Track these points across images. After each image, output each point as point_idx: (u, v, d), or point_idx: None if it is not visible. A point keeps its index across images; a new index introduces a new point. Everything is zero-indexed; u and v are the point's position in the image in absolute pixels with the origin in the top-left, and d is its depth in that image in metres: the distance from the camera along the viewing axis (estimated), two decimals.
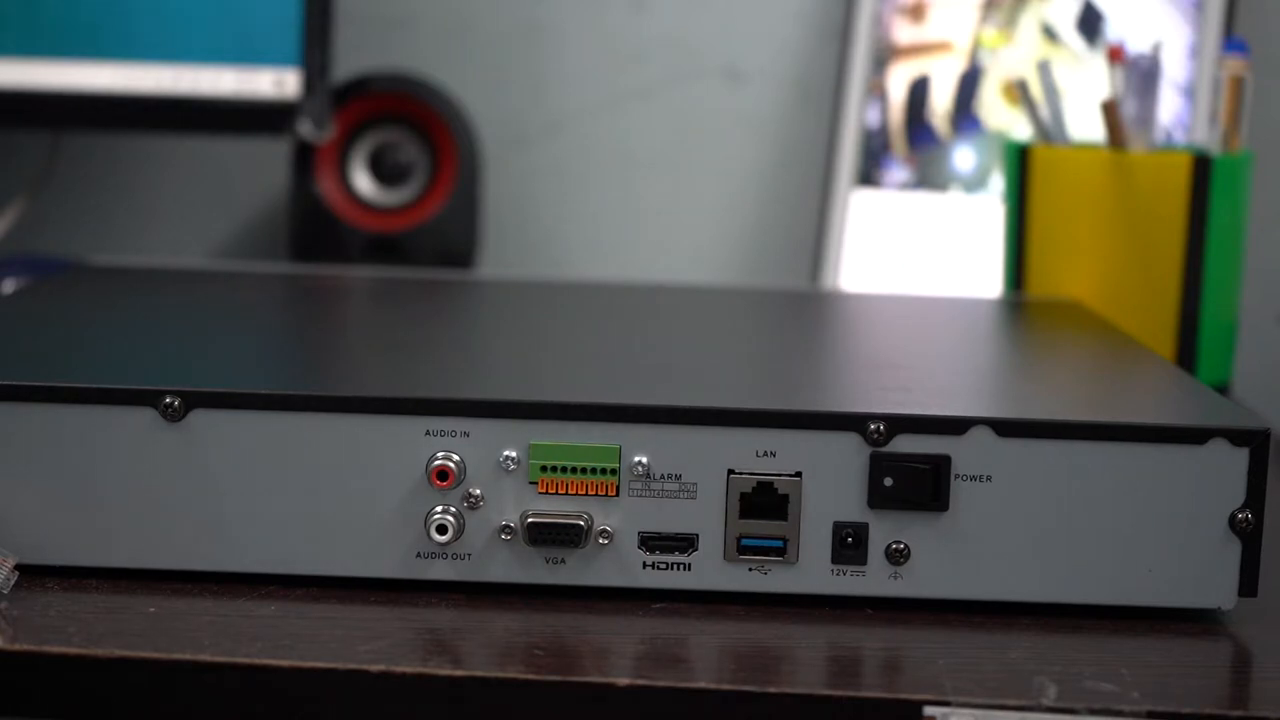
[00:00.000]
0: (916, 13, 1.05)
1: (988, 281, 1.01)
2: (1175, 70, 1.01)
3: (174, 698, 0.48)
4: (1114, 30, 1.02)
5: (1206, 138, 0.97)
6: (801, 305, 0.77)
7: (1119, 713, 0.46)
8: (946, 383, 0.59)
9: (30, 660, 0.48)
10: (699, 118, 1.11)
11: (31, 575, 0.53)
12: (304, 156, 1.05)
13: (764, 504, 0.53)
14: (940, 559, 0.53)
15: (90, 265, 0.81)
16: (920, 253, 1.04)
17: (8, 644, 0.48)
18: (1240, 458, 0.52)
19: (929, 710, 0.46)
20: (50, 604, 0.51)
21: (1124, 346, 0.67)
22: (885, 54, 1.06)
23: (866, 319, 0.76)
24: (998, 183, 1.03)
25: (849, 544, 0.53)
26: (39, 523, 0.53)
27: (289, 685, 0.48)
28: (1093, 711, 0.46)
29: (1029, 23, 1.04)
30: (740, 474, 0.52)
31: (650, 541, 0.53)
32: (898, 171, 1.05)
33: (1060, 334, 0.70)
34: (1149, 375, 0.62)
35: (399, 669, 0.47)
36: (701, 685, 0.47)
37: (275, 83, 0.96)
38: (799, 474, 0.52)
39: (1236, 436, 0.52)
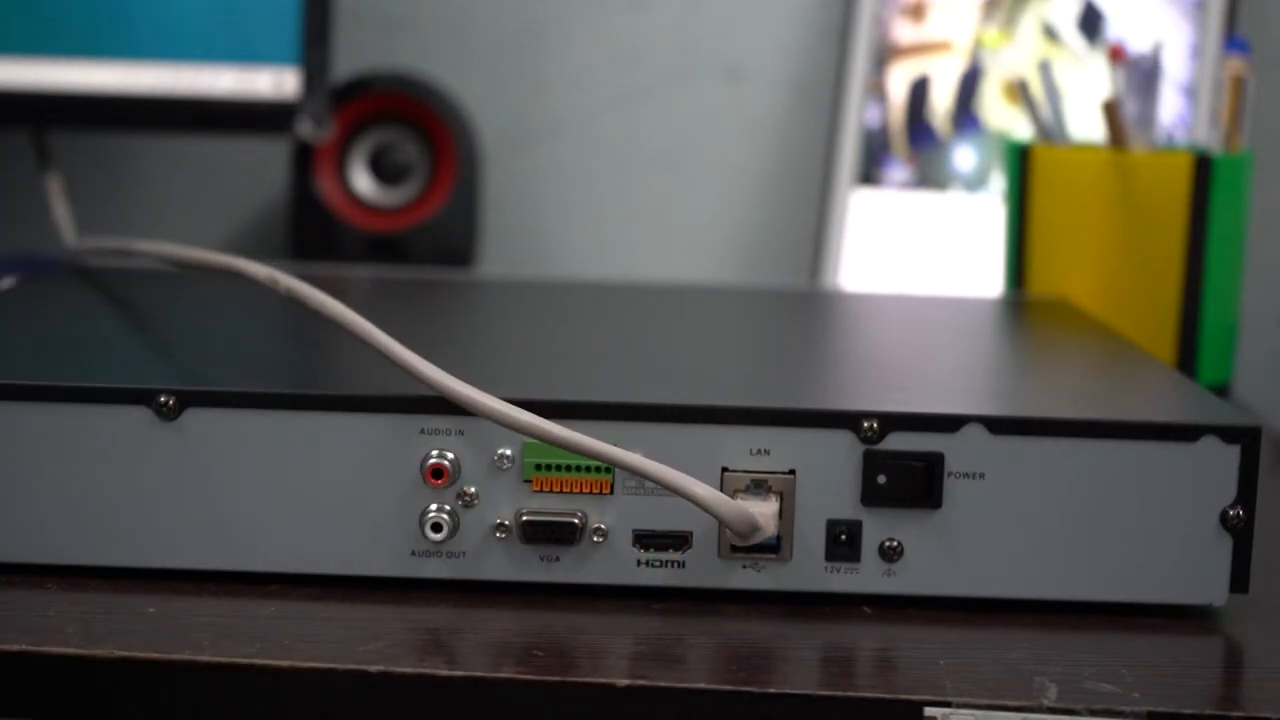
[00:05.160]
0: (916, 13, 1.05)
1: (988, 281, 1.01)
2: (1176, 70, 1.01)
3: (174, 698, 0.48)
4: (1115, 30, 1.02)
5: (1207, 137, 0.97)
6: (800, 305, 0.77)
7: (1119, 713, 0.46)
8: (940, 381, 0.59)
9: (30, 660, 0.48)
10: (699, 118, 1.11)
11: (30, 575, 0.53)
12: (304, 156, 1.05)
13: None
14: (933, 556, 0.53)
15: (86, 264, 0.81)
16: (920, 253, 1.04)
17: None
18: (1232, 455, 0.52)
19: (929, 710, 0.46)
20: (49, 604, 0.51)
21: (1115, 344, 0.67)
22: (885, 54, 1.06)
23: (863, 318, 0.76)
24: (998, 182, 1.03)
25: (842, 541, 0.53)
26: (35, 522, 0.53)
27: (289, 685, 0.48)
28: (1093, 712, 0.46)
29: (1029, 22, 1.04)
30: (734, 471, 0.52)
31: (644, 539, 0.53)
32: (898, 171, 1.05)
33: (1052, 333, 0.71)
34: (1141, 373, 0.62)
35: (398, 669, 0.47)
36: (702, 686, 0.47)
37: (275, 82, 0.96)
38: (793, 471, 0.52)
39: (1228, 434, 0.52)
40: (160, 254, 0.72)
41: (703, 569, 0.53)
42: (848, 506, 0.53)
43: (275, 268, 0.62)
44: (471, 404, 0.51)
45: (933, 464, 0.52)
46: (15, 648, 0.48)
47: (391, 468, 0.53)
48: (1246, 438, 0.52)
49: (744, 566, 0.53)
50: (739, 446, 0.52)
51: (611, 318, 0.72)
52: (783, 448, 0.52)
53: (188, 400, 0.53)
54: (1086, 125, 0.97)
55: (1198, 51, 1.01)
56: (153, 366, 0.59)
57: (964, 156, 1.04)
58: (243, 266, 0.63)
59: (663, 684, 0.47)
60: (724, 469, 0.53)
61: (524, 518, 0.53)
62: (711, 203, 1.12)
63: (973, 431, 0.52)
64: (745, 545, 0.52)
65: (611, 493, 0.53)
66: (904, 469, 0.52)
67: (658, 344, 0.66)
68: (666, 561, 0.53)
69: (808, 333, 0.72)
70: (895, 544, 0.53)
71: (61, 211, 1.00)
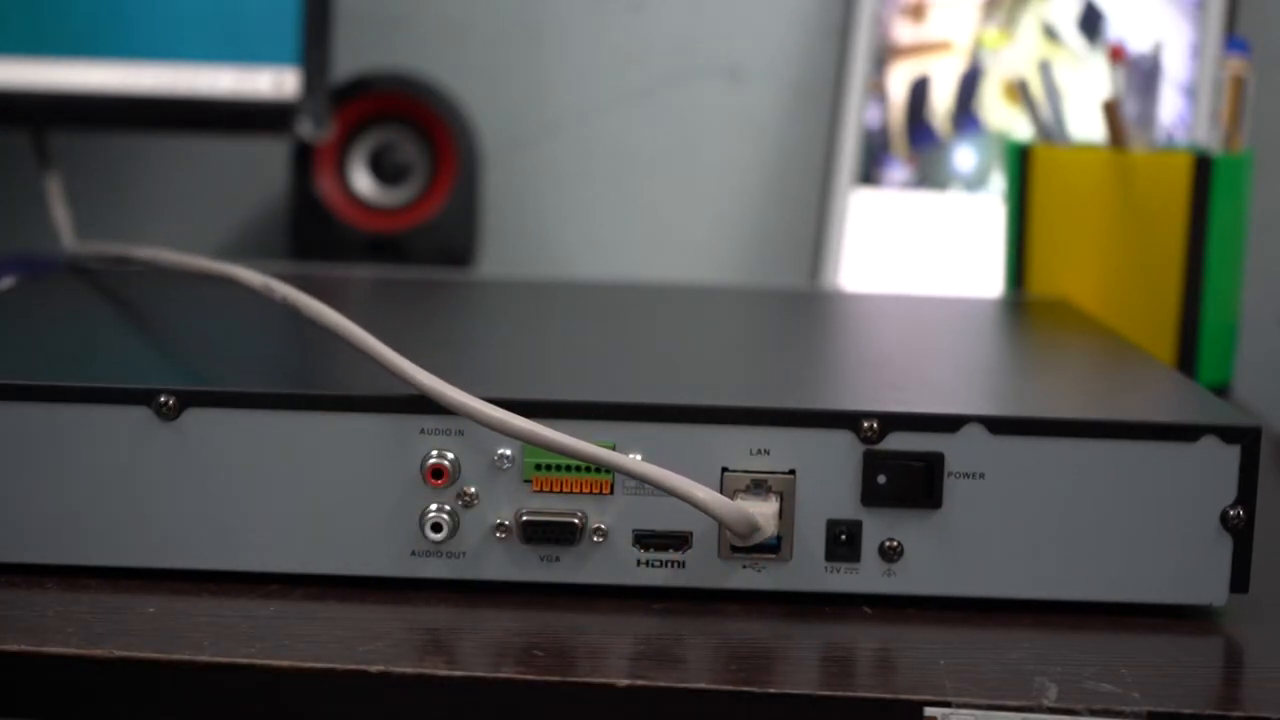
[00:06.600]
0: (916, 13, 1.05)
1: (988, 281, 1.01)
2: (1176, 70, 1.01)
3: (174, 698, 0.48)
4: (1115, 30, 1.02)
5: (1207, 137, 0.97)
6: (800, 305, 0.78)
7: (1119, 713, 0.46)
8: (940, 380, 0.59)
9: (30, 660, 0.48)
10: (699, 118, 1.11)
11: (29, 575, 0.53)
12: (304, 156, 1.05)
13: None
14: (933, 556, 0.53)
15: (86, 264, 0.81)
16: (920, 253, 1.04)
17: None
18: (1232, 455, 0.52)
19: (929, 710, 0.47)
20: (49, 604, 0.51)
21: (1115, 345, 0.67)
22: (885, 54, 1.06)
23: (863, 318, 0.76)
24: (998, 182, 1.03)
25: (842, 541, 0.53)
26: (35, 522, 0.53)
27: (289, 685, 0.48)
28: (1093, 712, 0.46)
29: (1029, 22, 1.04)
30: (734, 471, 0.53)
31: (644, 539, 0.53)
32: (898, 171, 1.05)
33: (1052, 333, 0.71)
34: (1140, 373, 0.62)
35: (398, 669, 0.48)
36: (702, 686, 0.47)
37: (274, 82, 0.96)
38: (793, 471, 0.52)
39: (1228, 434, 0.52)
40: (157, 260, 0.72)
41: (703, 569, 0.53)
42: (848, 506, 0.53)
43: (274, 271, 0.62)
44: (467, 411, 0.51)
45: (933, 464, 0.52)
46: (15, 648, 0.48)
47: (391, 468, 0.53)
48: (1246, 438, 0.52)
49: (744, 566, 0.53)
50: (739, 446, 0.52)
51: (611, 318, 0.72)
52: (783, 448, 0.52)
53: (188, 400, 0.53)
54: (1086, 125, 0.97)
55: (1198, 51, 1.01)
56: (153, 366, 0.59)
57: (964, 156, 1.04)
58: (238, 274, 0.63)
59: (663, 684, 0.47)
60: (724, 469, 0.53)
61: (524, 518, 0.53)
62: (711, 203, 1.12)
63: (973, 431, 0.52)
64: (745, 545, 0.52)
65: (611, 493, 0.53)
66: (904, 469, 0.52)
67: (658, 344, 0.66)
68: (666, 561, 0.53)
69: (808, 333, 0.72)
70: (895, 544, 0.53)
71: (61, 212, 1.00)
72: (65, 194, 1.05)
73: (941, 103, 1.05)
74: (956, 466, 0.52)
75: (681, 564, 0.53)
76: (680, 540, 0.53)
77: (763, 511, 0.51)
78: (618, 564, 0.53)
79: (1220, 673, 0.50)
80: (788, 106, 1.11)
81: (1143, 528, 0.52)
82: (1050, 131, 0.84)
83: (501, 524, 0.53)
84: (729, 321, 0.72)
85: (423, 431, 0.53)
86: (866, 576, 0.53)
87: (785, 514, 0.53)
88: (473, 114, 1.08)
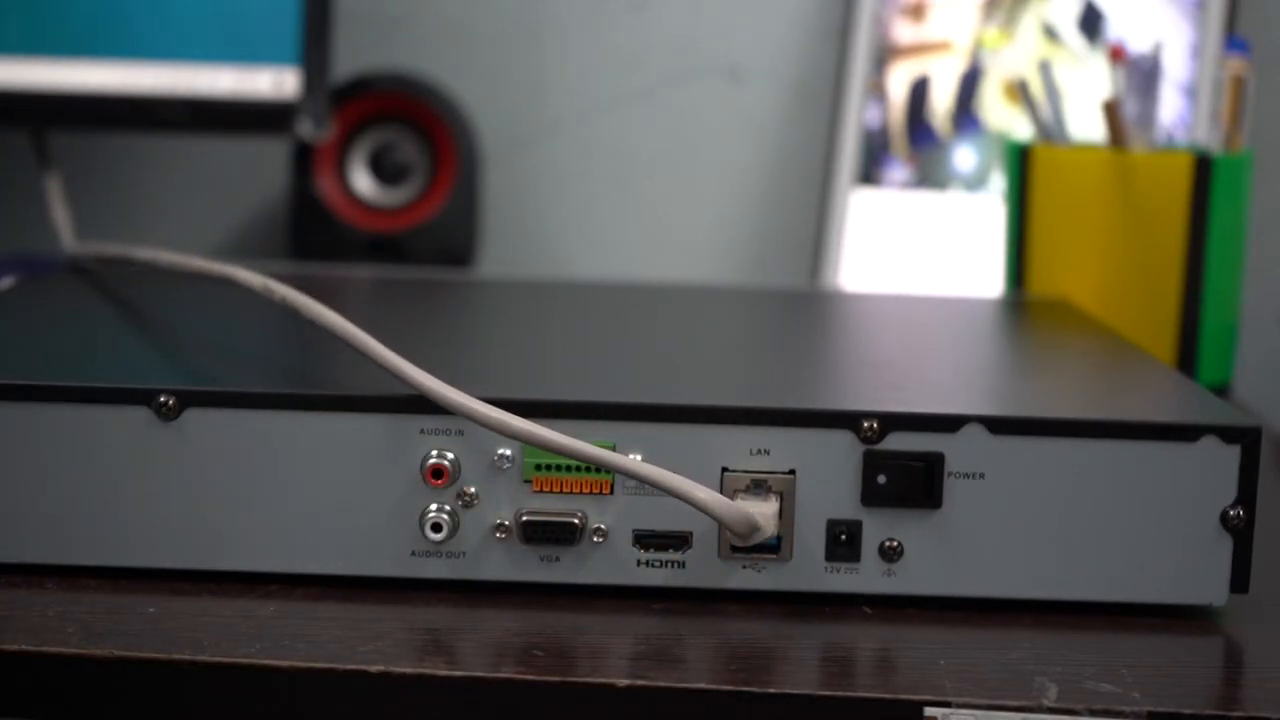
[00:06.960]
0: (916, 13, 1.05)
1: (988, 281, 1.01)
2: (1176, 70, 1.01)
3: (174, 698, 0.48)
4: (1115, 30, 1.02)
5: (1207, 137, 0.97)
6: (800, 305, 0.78)
7: (1119, 713, 0.46)
8: (940, 381, 0.59)
9: (30, 660, 0.48)
10: (699, 118, 1.11)
11: (30, 575, 0.53)
12: (304, 156, 1.05)
13: None
14: (933, 556, 0.53)
15: (86, 264, 0.81)
16: (920, 252, 1.04)
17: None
18: (1232, 455, 0.52)
19: (929, 710, 0.47)
20: (49, 604, 0.51)
21: (1115, 345, 0.67)
22: (885, 54, 1.06)
23: (863, 318, 0.76)
24: (998, 182, 1.03)
25: (843, 541, 0.53)
26: (35, 522, 0.53)
27: (289, 685, 0.48)
28: (1093, 712, 0.46)
29: (1029, 22, 1.04)
30: (734, 471, 0.53)
31: (644, 539, 0.53)
32: (898, 171, 1.05)
33: (1052, 333, 0.71)
34: (1140, 373, 0.62)
35: (398, 669, 0.48)
36: (702, 686, 0.47)
37: (274, 82, 0.96)
38: (793, 471, 0.52)
39: (1228, 434, 0.52)
40: (157, 260, 0.72)
41: (703, 569, 0.53)
42: (848, 506, 0.53)
43: (273, 271, 0.62)
44: (467, 411, 0.51)
45: (933, 464, 0.52)
46: (15, 648, 0.48)
47: (391, 468, 0.53)
48: (1246, 438, 0.52)
49: (744, 566, 0.53)
50: (739, 446, 0.52)
51: (611, 318, 0.72)
52: (783, 448, 0.52)
53: (188, 400, 0.53)
54: (1086, 125, 0.97)
55: (1198, 51, 1.01)
56: (153, 366, 0.59)
57: (964, 156, 1.04)
58: (238, 275, 0.63)
59: (663, 684, 0.47)
60: (724, 469, 0.53)
61: (524, 518, 0.53)
62: (711, 203, 1.12)
63: (973, 431, 0.52)
64: (745, 545, 0.52)
65: (611, 493, 0.53)
66: (904, 469, 0.52)
67: (658, 344, 0.66)
68: (666, 561, 0.53)
69: (808, 333, 0.72)
70: (895, 544, 0.53)
71: (60, 213, 1.00)
72: (65, 194, 1.04)
73: (941, 103, 1.05)
74: (956, 466, 0.52)
75: (681, 564, 0.53)
76: (680, 540, 0.53)
77: (763, 511, 0.51)
78: (618, 564, 0.53)
79: (1220, 673, 0.50)
80: (788, 106, 1.11)
81: (1142, 528, 0.52)
82: (1050, 131, 0.84)
83: (501, 524, 0.53)
84: (729, 321, 0.72)
85: (422, 431, 0.53)
86: (866, 576, 0.53)
87: (785, 514, 0.53)
88: (473, 114, 1.08)
